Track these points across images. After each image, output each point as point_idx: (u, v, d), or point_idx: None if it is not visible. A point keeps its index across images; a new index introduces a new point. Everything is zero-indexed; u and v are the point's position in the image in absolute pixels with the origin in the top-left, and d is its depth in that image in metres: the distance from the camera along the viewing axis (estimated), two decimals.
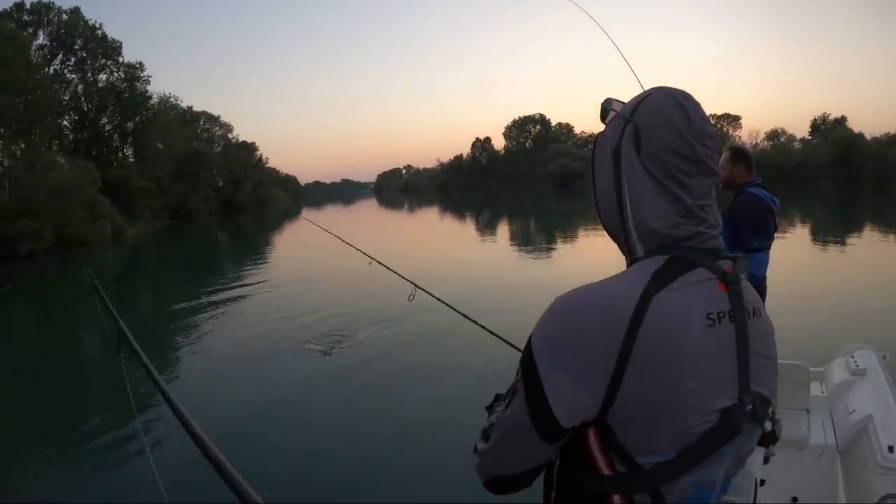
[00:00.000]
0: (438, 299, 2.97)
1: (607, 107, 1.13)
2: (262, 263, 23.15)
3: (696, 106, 1.05)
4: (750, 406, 0.96)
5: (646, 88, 1.13)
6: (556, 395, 0.90)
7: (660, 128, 1.01)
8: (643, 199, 1.02)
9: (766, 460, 1.08)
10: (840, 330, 8.14)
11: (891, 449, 2.88)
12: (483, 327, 2.72)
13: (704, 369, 0.91)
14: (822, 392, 3.94)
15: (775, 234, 3.96)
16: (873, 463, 2.88)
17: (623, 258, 1.08)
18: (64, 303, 15.81)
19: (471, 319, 2.78)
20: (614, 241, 1.12)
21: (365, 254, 3.97)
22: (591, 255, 20.20)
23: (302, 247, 26.34)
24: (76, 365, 9.65)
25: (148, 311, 15.12)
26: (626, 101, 1.12)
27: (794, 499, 3.11)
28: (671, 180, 1.01)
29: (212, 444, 1.57)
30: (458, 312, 2.85)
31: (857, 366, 3.93)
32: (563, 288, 0.98)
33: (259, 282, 16.44)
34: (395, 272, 3.27)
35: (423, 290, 3.04)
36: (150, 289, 19.50)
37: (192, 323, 11.81)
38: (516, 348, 2.38)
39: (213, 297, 14.20)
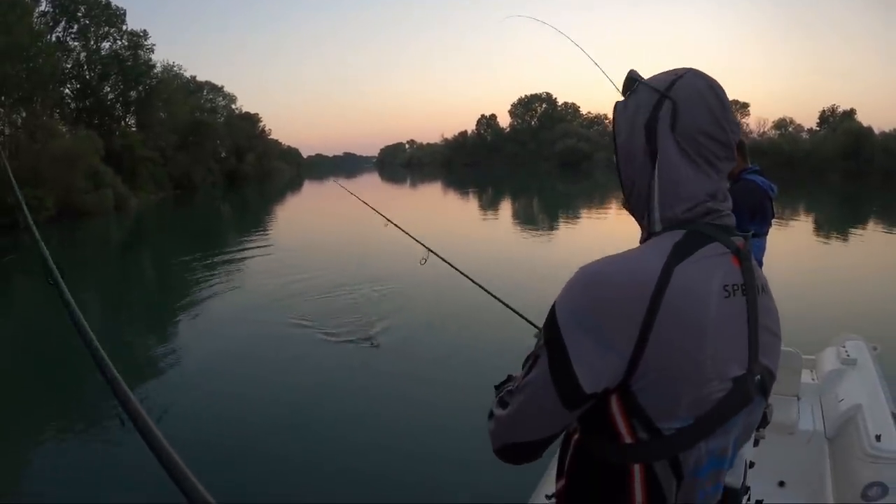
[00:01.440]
0: (450, 264, 2.99)
1: (635, 77, 1.13)
2: (264, 233, 23.17)
3: (725, 93, 1.07)
4: (758, 377, 1.01)
5: (630, 70, 1.14)
6: (580, 360, 0.93)
7: (698, 109, 1.03)
8: (675, 177, 1.04)
9: (755, 443, 1.11)
10: (833, 320, 8.30)
11: (878, 438, 2.92)
12: (491, 294, 2.72)
13: (721, 338, 0.96)
14: (813, 379, 3.98)
15: (773, 221, 3.97)
16: (860, 451, 2.92)
17: (627, 232, 1.11)
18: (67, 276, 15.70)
19: (479, 285, 2.79)
20: (632, 212, 1.15)
21: (382, 215, 3.94)
22: (599, 235, 20.25)
23: (309, 216, 26.41)
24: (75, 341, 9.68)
25: (147, 282, 15.19)
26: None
27: (782, 483, 3.15)
28: (703, 161, 1.04)
29: (150, 419, 1.21)
30: (468, 278, 2.86)
31: (848, 355, 4.01)
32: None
33: (260, 251, 16.49)
34: (410, 235, 3.27)
35: (435, 254, 3.06)
36: (150, 258, 19.53)
37: (190, 293, 11.87)
38: (524, 318, 2.39)
39: (212, 270, 14.28)
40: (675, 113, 1.04)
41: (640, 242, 1.11)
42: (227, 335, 8.92)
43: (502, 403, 1.08)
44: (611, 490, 1.00)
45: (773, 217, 3.94)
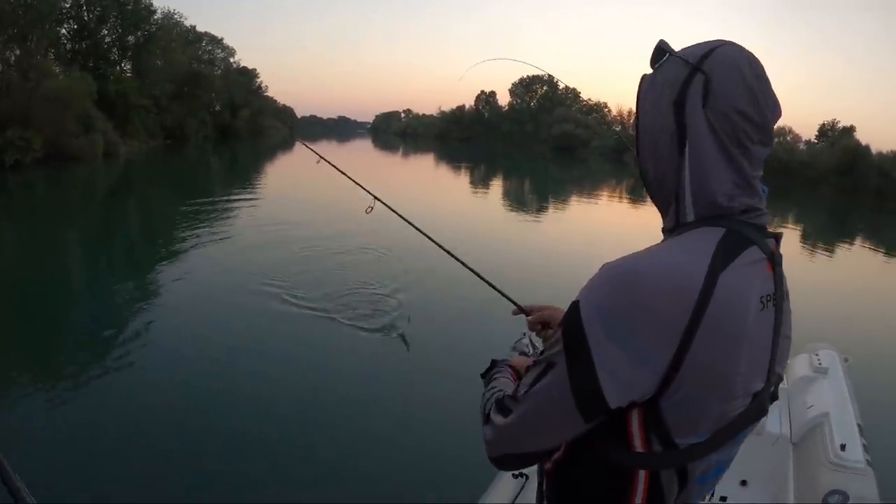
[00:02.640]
0: (395, 212, 2.70)
1: (664, 48, 1.01)
2: (252, 190, 23.01)
3: (764, 69, 0.96)
4: (772, 387, 0.98)
5: (659, 41, 1.02)
6: (608, 372, 0.84)
7: (733, 84, 0.92)
8: (705, 160, 0.93)
9: None
10: (808, 328, 8.34)
11: (843, 447, 2.99)
12: (444, 249, 2.48)
13: (753, 353, 0.90)
14: (784, 384, 4.03)
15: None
16: (825, 458, 2.98)
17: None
18: (50, 220, 15.51)
19: (431, 239, 2.55)
20: (655, 199, 1.04)
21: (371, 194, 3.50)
22: (589, 221, 20.28)
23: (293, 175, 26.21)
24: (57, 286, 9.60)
25: (130, 232, 15.07)
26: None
27: (744, 482, 3.21)
28: (734, 143, 0.93)
29: None
30: (417, 229, 2.61)
31: (820, 364, 4.06)
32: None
33: (246, 208, 16.37)
34: (358, 183, 2.94)
35: (381, 201, 2.73)
36: (135, 207, 19.31)
37: (170, 246, 11.76)
38: (500, 291, 2.32)
39: (194, 224, 14.07)
40: (707, 87, 0.92)
41: (664, 232, 1.02)
42: (194, 301, 8.60)
43: (502, 409, 0.98)
44: (609, 487, 0.94)
45: None
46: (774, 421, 3.49)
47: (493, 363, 1.30)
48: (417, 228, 2.58)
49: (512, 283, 2.13)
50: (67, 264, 11.10)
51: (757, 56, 0.96)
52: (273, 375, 6.07)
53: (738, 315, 0.86)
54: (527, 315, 1.63)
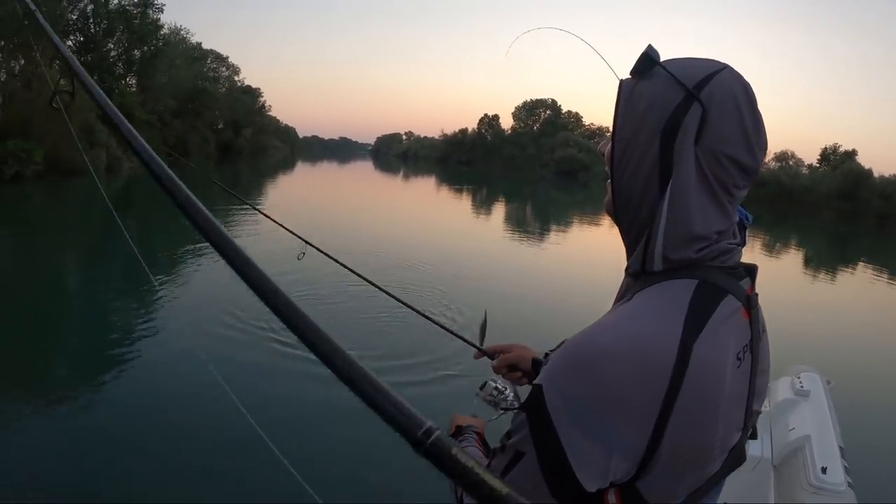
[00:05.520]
0: (330, 256, 2.52)
1: (654, 57, 0.88)
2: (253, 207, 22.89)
3: (757, 102, 0.86)
4: (749, 431, 0.93)
5: (647, 46, 0.90)
6: (582, 461, 0.76)
7: (728, 122, 0.82)
8: (687, 207, 0.83)
9: None
10: (790, 350, 8.35)
11: (824, 470, 2.96)
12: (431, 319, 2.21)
13: (729, 413, 0.83)
14: (766, 406, 4.01)
15: (750, 247, 3.99)
16: (805, 481, 2.95)
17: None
18: (48, 235, 15.42)
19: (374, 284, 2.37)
20: (623, 234, 0.93)
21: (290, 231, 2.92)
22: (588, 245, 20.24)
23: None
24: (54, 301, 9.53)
25: (129, 252, 14.96)
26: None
27: None
28: (722, 190, 0.84)
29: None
30: (360, 276, 2.44)
31: (802, 387, 4.06)
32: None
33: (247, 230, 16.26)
34: (287, 229, 2.71)
35: (314, 246, 2.52)
36: (135, 226, 19.26)
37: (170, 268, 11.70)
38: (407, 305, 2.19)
39: (196, 247, 13.94)
40: (702, 121, 0.82)
41: (627, 273, 0.94)
42: (191, 316, 8.45)
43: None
44: None
45: (743, 245, 3.97)
46: (755, 444, 3.45)
47: (459, 429, 1.21)
48: (361, 275, 2.41)
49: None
50: (65, 275, 11.06)
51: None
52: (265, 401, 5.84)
53: (714, 385, 0.79)
54: (491, 358, 1.55)
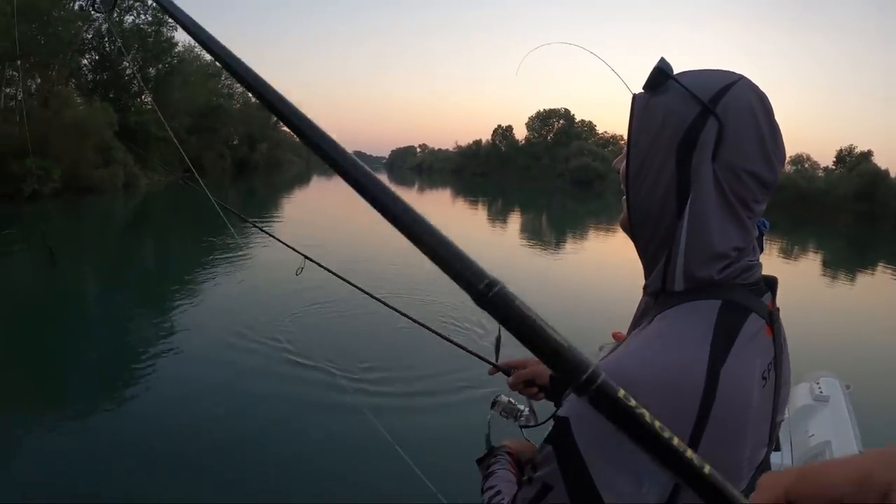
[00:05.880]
0: (328, 269, 2.77)
1: (667, 70, 0.85)
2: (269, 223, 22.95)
3: (774, 113, 0.84)
4: (774, 443, 0.92)
5: (660, 59, 0.87)
6: (612, 493, 0.75)
7: (747, 138, 0.80)
8: (707, 224, 0.81)
9: None
10: (809, 356, 8.23)
11: None
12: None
13: (755, 432, 0.82)
14: (785, 413, 3.88)
15: (768, 254, 3.87)
16: None
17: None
18: (67, 258, 15.26)
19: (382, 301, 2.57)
20: (640, 252, 0.91)
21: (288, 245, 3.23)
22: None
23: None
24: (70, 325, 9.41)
25: (148, 267, 14.99)
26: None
27: None
28: (740, 205, 0.82)
29: None
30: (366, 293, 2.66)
31: (821, 392, 4.00)
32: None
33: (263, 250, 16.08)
34: (291, 247, 2.93)
35: (313, 261, 2.80)
36: (155, 242, 19.32)
37: (189, 282, 11.62)
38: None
39: (215, 260, 13.89)
40: (720, 136, 0.80)
41: (646, 292, 0.92)
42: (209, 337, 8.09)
43: None
44: None
45: (761, 252, 3.89)
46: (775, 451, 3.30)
47: (492, 450, 1.20)
48: (375, 296, 2.58)
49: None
50: (82, 294, 11.00)
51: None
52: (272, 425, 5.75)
53: (742, 409, 0.78)
54: (506, 374, 1.54)
